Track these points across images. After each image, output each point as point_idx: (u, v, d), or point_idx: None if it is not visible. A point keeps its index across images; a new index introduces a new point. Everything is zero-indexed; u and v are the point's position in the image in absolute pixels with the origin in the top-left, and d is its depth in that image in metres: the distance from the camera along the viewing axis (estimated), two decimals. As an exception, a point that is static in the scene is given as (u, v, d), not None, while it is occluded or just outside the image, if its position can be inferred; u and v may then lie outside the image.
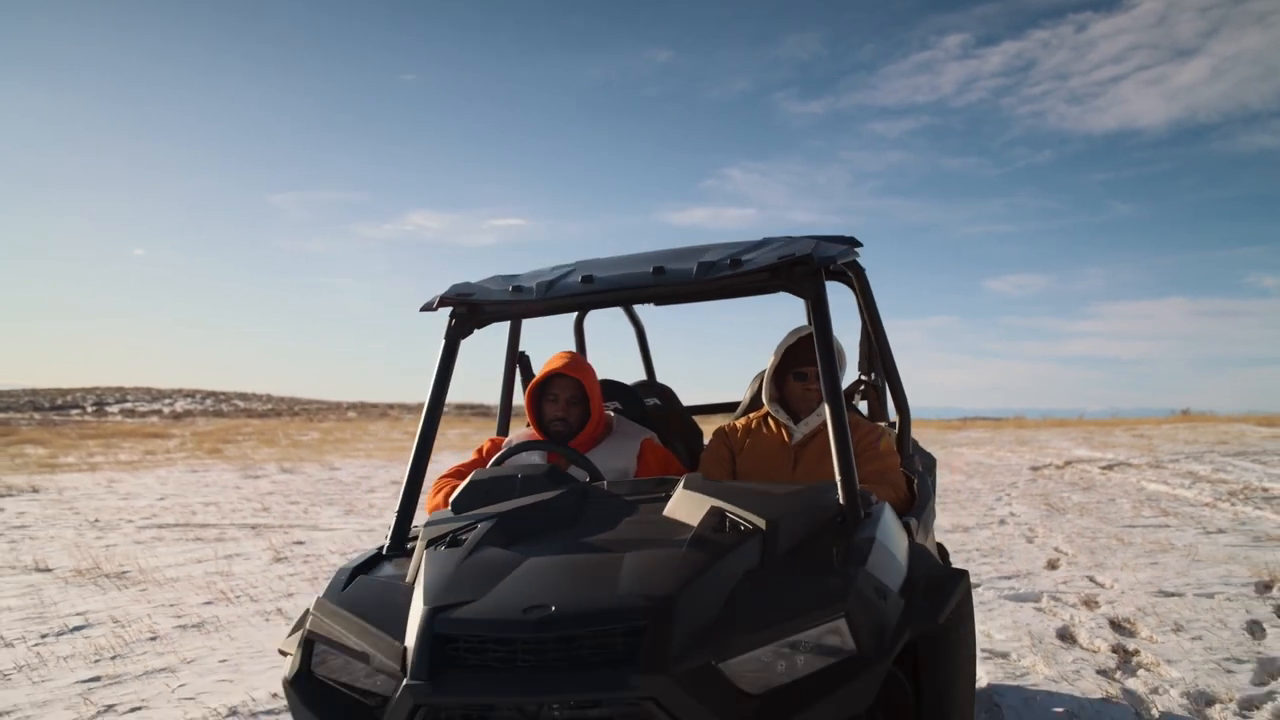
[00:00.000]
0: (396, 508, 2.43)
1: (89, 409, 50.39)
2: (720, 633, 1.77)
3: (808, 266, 2.43)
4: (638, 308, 4.25)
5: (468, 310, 2.64)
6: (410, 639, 1.85)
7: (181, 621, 5.65)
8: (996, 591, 5.83)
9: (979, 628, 4.92)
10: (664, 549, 1.95)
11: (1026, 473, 13.82)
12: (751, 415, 3.23)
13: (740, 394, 3.78)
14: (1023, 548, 7.50)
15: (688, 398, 4.04)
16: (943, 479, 13.06)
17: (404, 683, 1.79)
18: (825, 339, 2.47)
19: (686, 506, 2.14)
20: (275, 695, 4.16)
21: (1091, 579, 6.13)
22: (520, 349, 3.65)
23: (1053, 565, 6.71)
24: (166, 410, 50.86)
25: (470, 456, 3.19)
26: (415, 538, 2.36)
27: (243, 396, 62.53)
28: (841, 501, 2.18)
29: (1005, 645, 4.59)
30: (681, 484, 2.25)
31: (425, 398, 2.56)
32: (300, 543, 8.69)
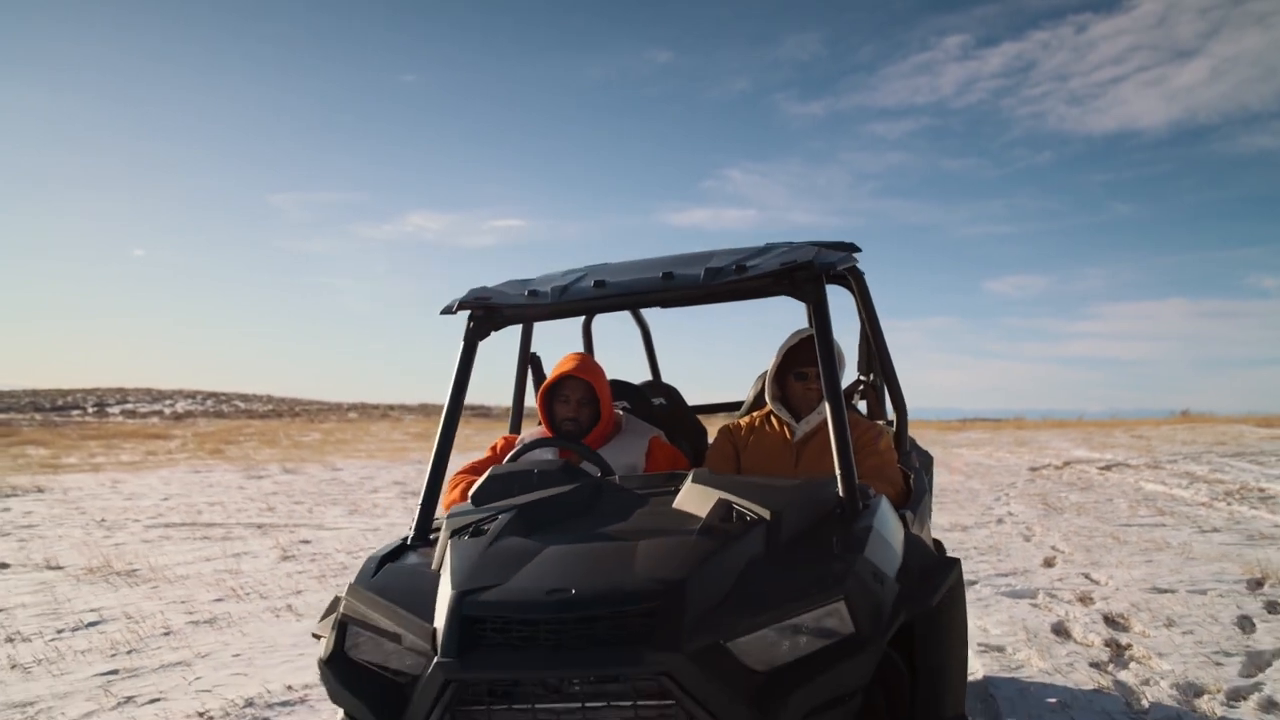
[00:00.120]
0: (420, 501, 2.55)
1: (90, 410, 50.44)
2: (728, 614, 1.88)
3: (809, 272, 2.55)
4: (644, 310, 4.36)
5: (485, 313, 2.75)
6: (439, 620, 1.96)
7: (194, 618, 5.76)
8: (994, 588, 5.93)
9: (976, 623, 5.03)
10: (675, 537, 2.07)
11: (1025, 473, 13.92)
12: (755, 414, 3.35)
13: (741, 394, 3.91)
14: (1020, 546, 7.60)
15: (692, 398, 4.15)
16: (942, 479, 13.16)
17: (435, 660, 1.90)
18: (826, 341, 2.59)
19: (695, 499, 2.26)
20: (289, 688, 4.27)
21: (1087, 576, 6.23)
22: (532, 350, 3.77)
23: (1049, 563, 6.82)
24: (167, 411, 50.90)
25: (484, 454, 3.31)
26: (437, 529, 2.48)
27: (243, 397, 62.56)
28: (841, 494, 2.30)
29: (1001, 639, 4.69)
30: (690, 478, 2.36)
31: (446, 397, 2.68)
32: (306, 541, 8.80)
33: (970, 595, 5.72)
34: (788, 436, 3.17)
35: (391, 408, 56.04)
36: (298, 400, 62.66)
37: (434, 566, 2.21)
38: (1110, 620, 5.03)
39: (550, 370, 3.38)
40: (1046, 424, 30.36)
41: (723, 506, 2.17)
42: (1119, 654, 4.41)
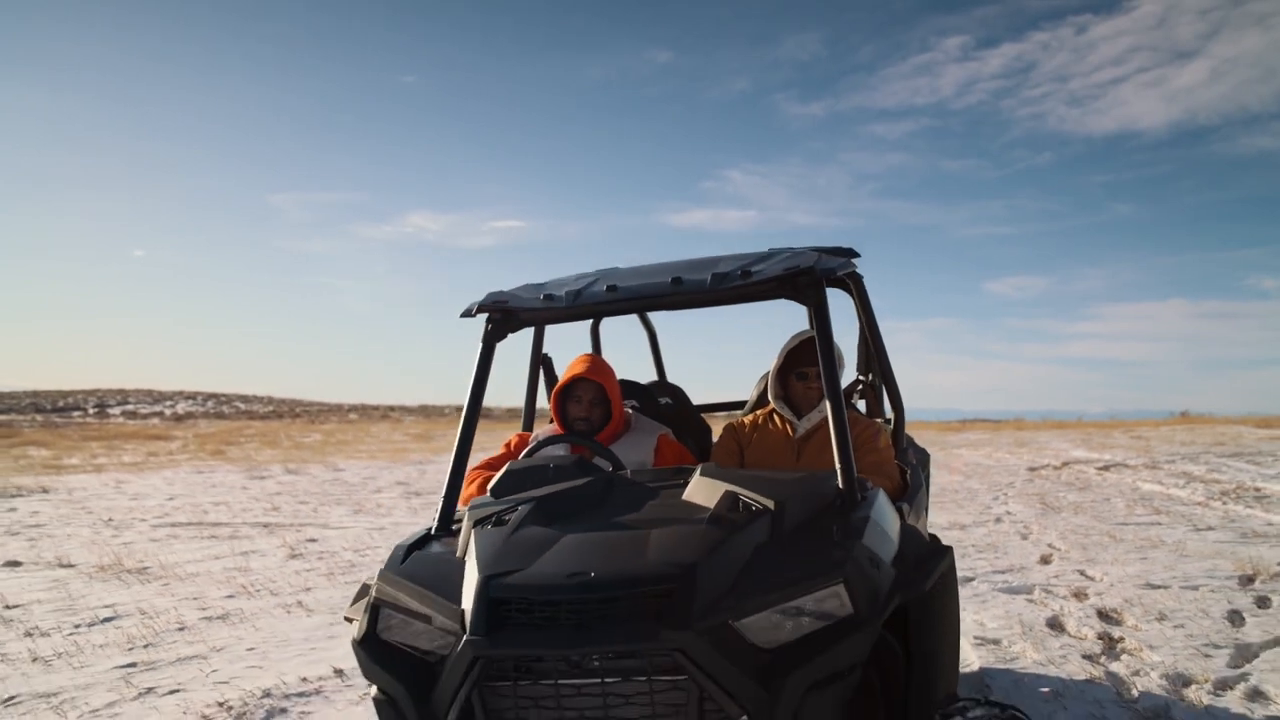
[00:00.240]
0: (442, 494, 2.68)
1: (90, 411, 50.53)
2: (736, 596, 2.01)
3: (810, 277, 2.67)
4: (650, 313, 4.48)
5: (503, 316, 2.88)
6: (467, 602, 2.09)
7: (206, 613, 5.87)
8: (990, 585, 6.05)
9: (973, 617, 5.15)
10: (686, 525, 2.20)
11: (1024, 473, 14.02)
12: (758, 412, 3.48)
13: (743, 394, 4.05)
14: (1017, 544, 7.72)
15: (696, 398, 4.27)
16: (941, 479, 13.27)
17: (464, 639, 2.03)
18: (826, 342, 2.71)
19: (703, 490, 2.38)
20: (304, 679, 4.39)
21: (1082, 573, 6.35)
22: (544, 351, 3.90)
23: (1045, 560, 6.93)
24: (168, 412, 51.01)
25: (499, 451, 3.43)
26: (459, 521, 2.60)
27: (244, 398, 62.66)
28: (840, 487, 2.42)
29: (997, 633, 4.81)
30: (698, 471, 2.48)
31: (466, 395, 2.81)
32: (313, 540, 8.91)
33: (967, 591, 5.84)
34: (790, 433, 3.29)
35: (392, 409, 56.18)
36: (298, 401, 62.76)
37: (459, 554, 2.34)
38: (1104, 615, 5.15)
39: (561, 371, 3.50)
40: (1046, 425, 30.49)
41: (730, 497, 2.30)
42: (1111, 647, 4.53)
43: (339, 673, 4.49)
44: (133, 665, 4.71)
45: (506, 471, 2.68)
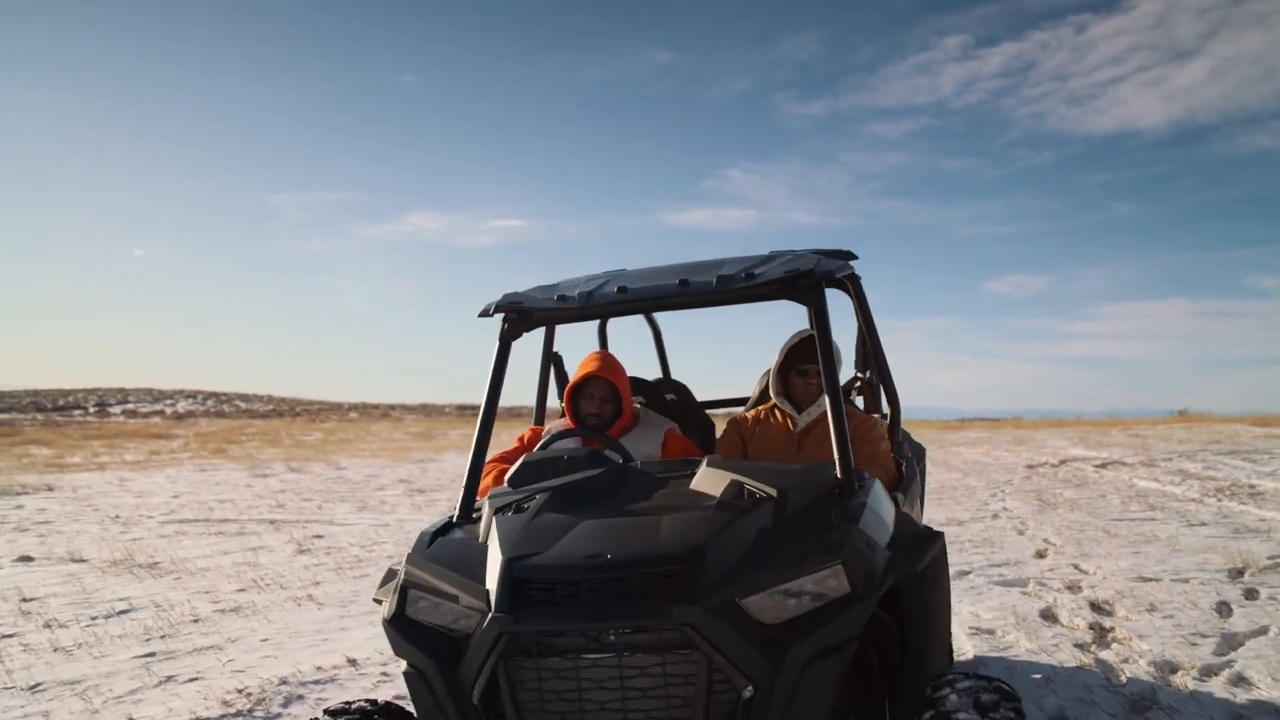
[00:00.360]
0: (463, 485, 2.82)
1: (91, 409, 50.59)
2: (742, 575, 2.15)
3: (811, 279, 2.82)
4: (655, 314, 4.62)
5: (519, 316, 3.02)
6: (491, 582, 2.23)
7: (219, 606, 6.00)
8: (986, 578, 6.18)
9: (969, 609, 5.29)
10: (695, 512, 2.34)
11: (1022, 471, 14.15)
12: (760, 407, 3.62)
13: (744, 391, 4.20)
14: (1013, 539, 7.85)
15: (699, 395, 4.40)
16: (940, 477, 13.41)
17: (490, 615, 2.16)
18: (825, 340, 2.85)
19: (710, 480, 2.52)
20: (319, 668, 4.52)
21: (1076, 566, 6.48)
22: (555, 349, 4.04)
23: (1041, 555, 7.06)
24: (169, 411, 51.06)
25: (513, 445, 3.57)
26: (478, 510, 2.74)
27: (244, 397, 62.71)
28: (839, 476, 2.56)
29: (992, 624, 4.95)
30: (705, 463, 2.62)
31: (484, 391, 2.94)
32: (319, 536, 9.04)
33: (964, 585, 5.97)
34: (790, 427, 3.44)
35: (392, 407, 56.28)
36: (298, 400, 62.83)
37: (481, 540, 2.48)
38: (1096, 606, 5.28)
39: (571, 368, 3.64)
40: (1045, 423, 30.62)
41: (735, 486, 2.44)
42: (1102, 636, 4.66)
43: (352, 662, 4.63)
44: (151, 655, 4.85)
45: (523, 464, 2.81)
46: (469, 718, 2.23)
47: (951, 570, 6.28)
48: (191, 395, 61.64)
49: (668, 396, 4.04)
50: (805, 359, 3.43)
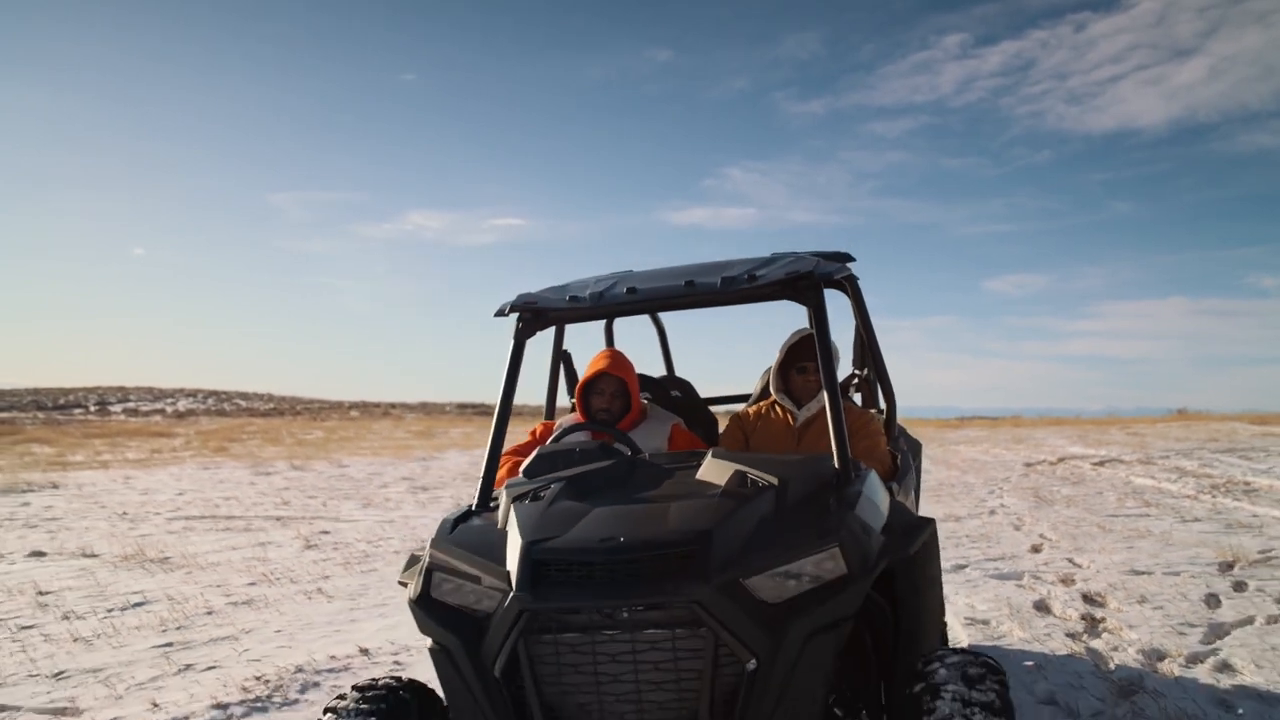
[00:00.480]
0: (481, 476, 2.97)
1: (92, 408, 50.65)
2: (746, 557, 2.29)
3: (810, 280, 2.96)
4: (660, 314, 4.77)
5: (533, 315, 3.16)
6: (511, 564, 2.37)
7: (231, 599, 6.14)
8: (982, 571, 6.32)
9: (964, 600, 5.42)
10: (701, 499, 2.48)
11: (1020, 468, 14.28)
12: (761, 403, 3.77)
13: (743, 388, 4.36)
14: (1010, 534, 7.98)
15: (702, 392, 4.54)
16: (939, 474, 13.55)
17: (511, 595, 2.30)
18: (824, 339, 3.00)
19: (715, 470, 2.65)
20: (333, 657, 4.66)
21: (1070, 560, 6.62)
22: (565, 348, 4.19)
23: (1036, 549, 7.20)
24: (169, 409, 51.12)
25: (525, 439, 3.71)
26: (495, 500, 2.88)
27: (244, 396, 62.76)
28: (836, 466, 2.70)
29: (986, 614, 5.08)
30: (709, 455, 2.75)
31: (500, 387, 3.08)
32: (326, 532, 9.17)
33: (960, 578, 6.11)
34: (790, 422, 3.58)
35: (393, 406, 56.38)
36: (298, 399, 62.86)
37: (500, 526, 2.63)
38: (1088, 598, 5.42)
39: (581, 365, 3.78)
40: (1044, 422, 30.78)
41: (739, 475, 2.58)
42: (1093, 626, 4.80)
43: (364, 651, 4.76)
44: (169, 645, 4.98)
45: (537, 456, 2.95)
46: (491, 691, 2.37)
47: (948, 564, 6.44)
48: (192, 394, 61.68)
49: (672, 393, 4.18)
50: (804, 357, 3.58)
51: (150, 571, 7.18)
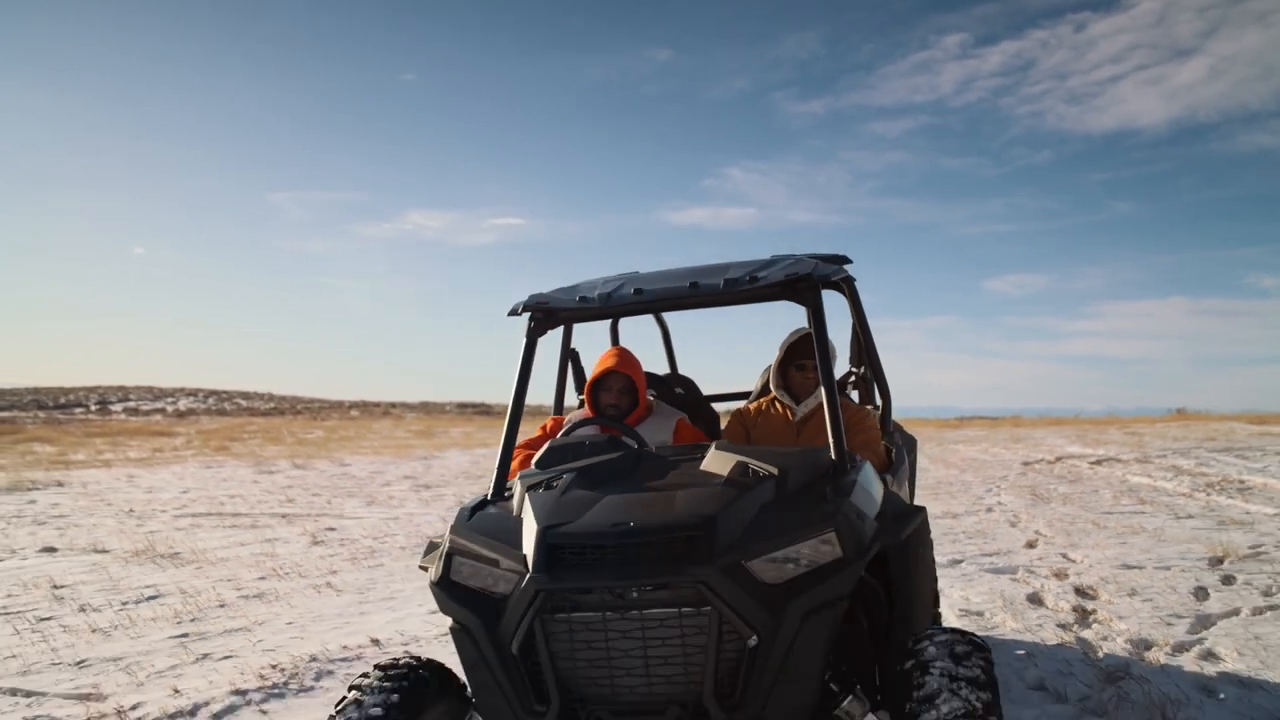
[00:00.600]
0: (496, 467, 3.10)
1: (92, 407, 50.70)
2: (747, 541, 2.44)
3: (809, 282, 3.11)
4: (663, 315, 4.91)
5: (544, 315, 3.29)
6: (528, 548, 2.51)
7: (243, 593, 6.27)
8: (978, 566, 6.45)
9: (959, 593, 5.56)
10: (706, 487, 2.63)
11: (1018, 467, 14.42)
12: (761, 399, 3.92)
13: (744, 386, 4.51)
14: (1006, 531, 8.12)
15: (703, 390, 4.67)
16: (937, 473, 13.69)
17: (528, 576, 2.44)
18: (821, 338, 3.14)
19: (718, 461, 2.79)
20: (345, 647, 4.79)
21: (1064, 555, 6.75)
22: (573, 346, 4.33)
23: (1031, 545, 7.33)
24: (169, 409, 51.18)
25: (535, 433, 3.86)
26: (509, 490, 3.02)
27: (244, 395, 62.82)
28: (833, 458, 2.84)
29: (981, 606, 5.22)
30: (713, 447, 2.89)
31: (513, 384, 3.22)
32: (332, 529, 9.30)
33: (955, 572, 6.25)
34: (789, 417, 3.73)
35: (393, 405, 56.50)
36: (298, 398, 62.93)
37: (515, 513, 2.76)
38: (1080, 591, 5.55)
39: (588, 363, 3.91)
40: (1043, 421, 30.92)
41: (741, 465, 2.72)
42: (1084, 617, 4.94)
43: (375, 642, 4.90)
44: (185, 635, 5.12)
45: (549, 448, 3.09)
46: (509, 666, 2.51)
47: (945, 559, 6.58)
48: (192, 393, 61.73)
49: (676, 390, 4.32)
50: (803, 355, 3.72)
51: (161, 566, 7.31)
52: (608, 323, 4.77)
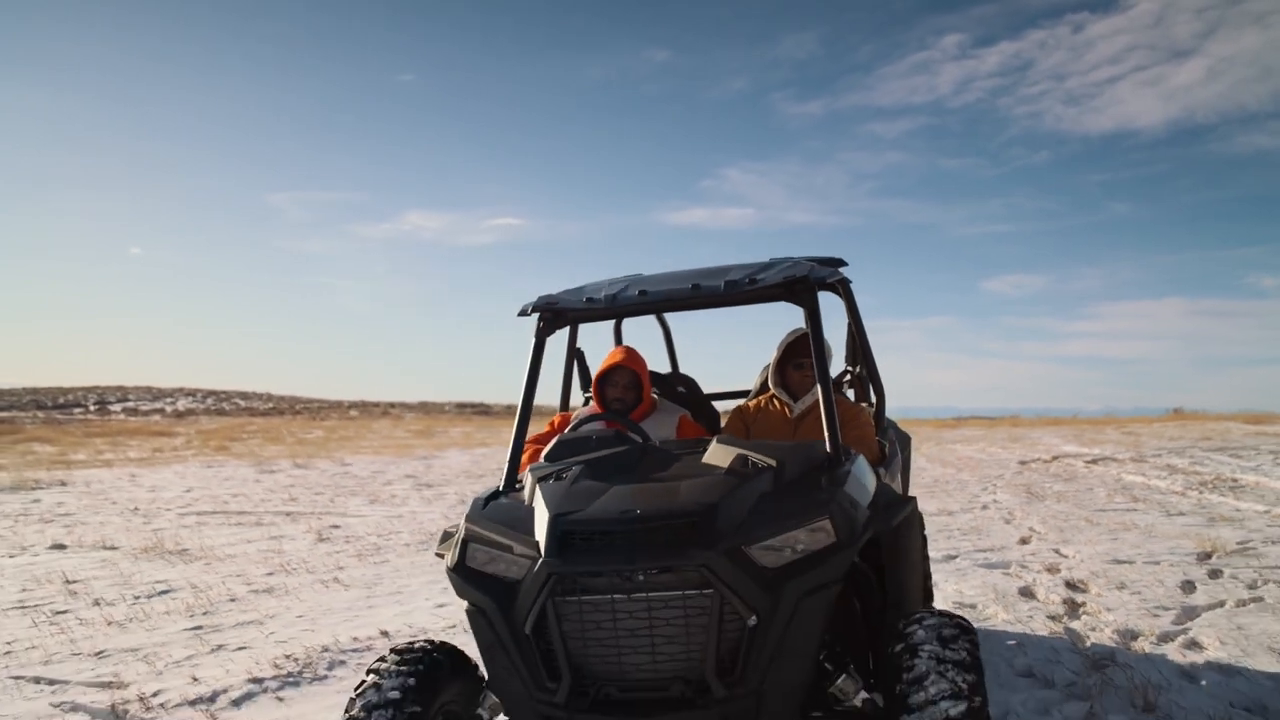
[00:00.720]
0: (507, 460, 3.24)
1: (92, 408, 50.74)
2: (747, 527, 2.58)
3: (806, 284, 3.25)
4: (664, 316, 5.06)
5: (553, 315, 3.43)
6: (540, 535, 2.65)
7: (252, 588, 6.40)
8: (972, 561, 6.59)
9: (953, 587, 5.70)
10: (708, 478, 2.78)
11: (1014, 466, 14.55)
12: (760, 397, 4.07)
13: (744, 385, 4.65)
14: (1000, 528, 8.26)
15: (704, 388, 4.81)
16: (934, 472, 13.82)
17: (540, 560, 2.58)
18: (817, 338, 3.29)
19: (719, 454, 2.93)
20: (355, 639, 4.92)
21: (1057, 551, 6.89)
22: (578, 346, 4.48)
23: (1024, 541, 7.47)
24: (169, 409, 51.23)
25: (544, 429, 4.00)
26: (520, 482, 3.16)
27: (244, 395, 62.87)
28: (828, 451, 2.99)
29: (974, 599, 5.36)
30: (714, 441, 3.03)
31: (523, 382, 3.36)
32: (336, 526, 9.43)
33: (950, 567, 6.38)
34: (787, 414, 3.87)
35: (392, 405, 56.59)
36: (298, 398, 62.97)
37: (527, 503, 2.91)
38: (1071, 585, 5.69)
39: (594, 361, 4.06)
40: (1041, 421, 31.05)
41: (741, 458, 2.87)
42: (1073, 609, 5.08)
43: (385, 634, 5.03)
44: (199, 628, 5.25)
45: (558, 442, 3.24)
46: (522, 646, 2.65)
47: (940, 554, 6.73)
48: (191, 393, 61.76)
49: (678, 389, 4.46)
50: (800, 354, 3.87)
51: (170, 562, 7.44)
52: (611, 324, 4.91)
